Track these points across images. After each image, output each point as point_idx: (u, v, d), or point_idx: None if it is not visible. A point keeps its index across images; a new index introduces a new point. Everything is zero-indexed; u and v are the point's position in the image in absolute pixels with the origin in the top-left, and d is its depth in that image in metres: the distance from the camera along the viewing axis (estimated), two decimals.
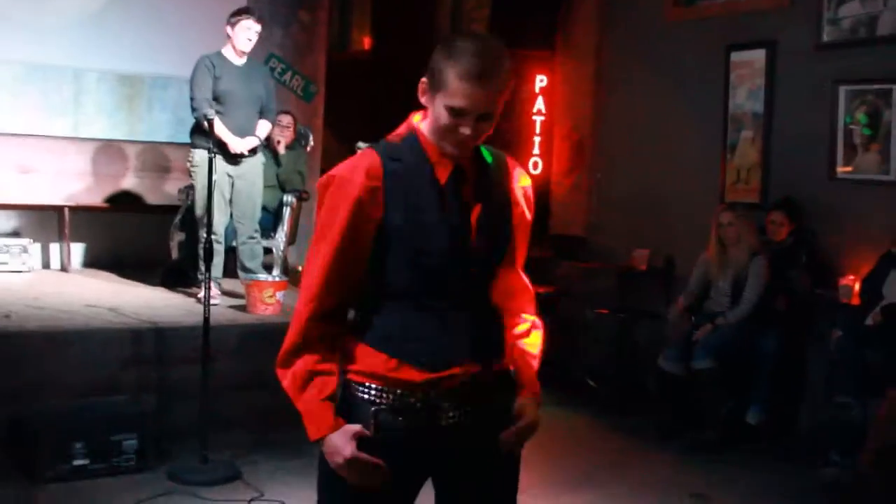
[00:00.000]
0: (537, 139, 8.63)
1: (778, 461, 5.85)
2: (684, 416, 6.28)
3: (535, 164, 8.57)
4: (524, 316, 2.42)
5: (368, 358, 2.25)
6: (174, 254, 7.30)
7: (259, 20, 6.37)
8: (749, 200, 6.78)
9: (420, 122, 2.28)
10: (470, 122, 2.15)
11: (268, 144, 7.04)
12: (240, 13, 6.35)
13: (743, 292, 6.24)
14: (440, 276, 2.22)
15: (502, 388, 2.33)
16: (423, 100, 2.24)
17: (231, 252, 6.68)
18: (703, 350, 6.11)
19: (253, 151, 6.36)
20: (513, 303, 2.41)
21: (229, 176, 6.33)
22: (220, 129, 6.13)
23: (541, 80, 8.60)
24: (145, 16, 7.83)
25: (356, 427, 2.20)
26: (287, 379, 2.25)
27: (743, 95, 7.00)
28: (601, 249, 8.04)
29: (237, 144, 6.22)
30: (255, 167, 6.45)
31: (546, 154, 8.63)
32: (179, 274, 6.98)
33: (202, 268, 5.97)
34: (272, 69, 8.07)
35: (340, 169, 2.25)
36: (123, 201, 7.90)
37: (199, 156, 6.16)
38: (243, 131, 6.29)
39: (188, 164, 6.54)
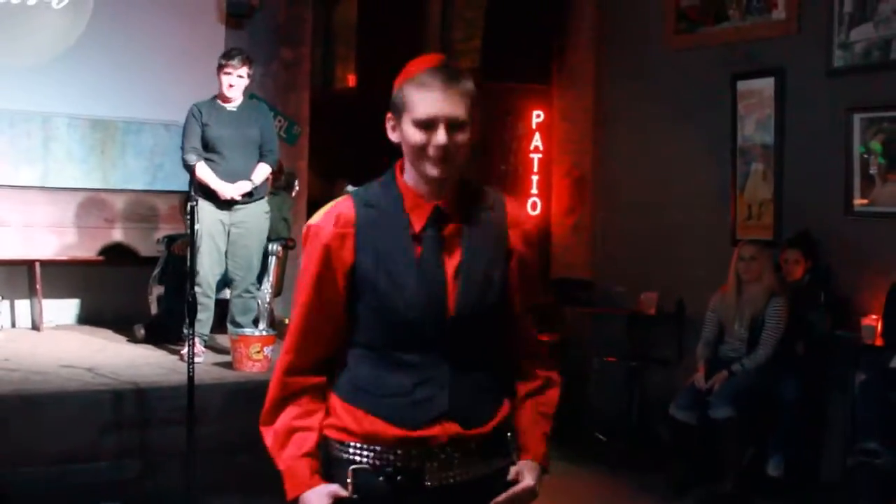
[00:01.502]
0: (535, 178, 8.68)
1: None
2: (700, 467, 6.29)
3: (535, 205, 8.62)
4: (537, 372, 2.41)
5: (345, 413, 2.27)
6: (153, 309, 7.32)
7: (244, 62, 6.40)
8: (762, 238, 6.81)
9: (398, 168, 2.31)
10: (442, 130, 2.18)
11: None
12: (223, 57, 6.43)
13: (760, 336, 6.27)
14: (411, 330, 2.22)
15: (496, 451, 2.32)
16: (393, 137, 2.28)
17: (222, 304, 6.71)
18: (721, 398, 6.12)
19: (249, 196, 6.39)
20: (518, 356, 2.40)
21: (223, 224, 6.38)
22: (205, 175, 6.22)
23: (537, 116, 8.67)
24: (117, 58, 7.88)
25: (333, 487, 2.23)
26: (269, 437, 2.31)
27: (752, 126, 7.07)
28: (607, 293, 8.08)
29: (226, 190, 6.27)
30: (255, 215, 6.48)
31: (545, 193, 8.68)
32: (160, 330, 6.99)
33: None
34: None
35: (317, 217, 2.30)
36: (98, 254, 7.92)
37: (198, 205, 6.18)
38: (239, 177, 6.34)
39: (184, 214, 6.59)
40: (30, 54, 7.61)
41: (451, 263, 2.25)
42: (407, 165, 2.28)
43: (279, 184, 7.60)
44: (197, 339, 6.19)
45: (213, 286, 6.41)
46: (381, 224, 2.25)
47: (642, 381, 7.29)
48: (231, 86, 6.34)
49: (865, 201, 6.40)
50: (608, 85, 8.29)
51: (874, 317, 6.08)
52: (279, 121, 8.48)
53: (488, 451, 2.29)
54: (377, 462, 2.23)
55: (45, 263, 7.56)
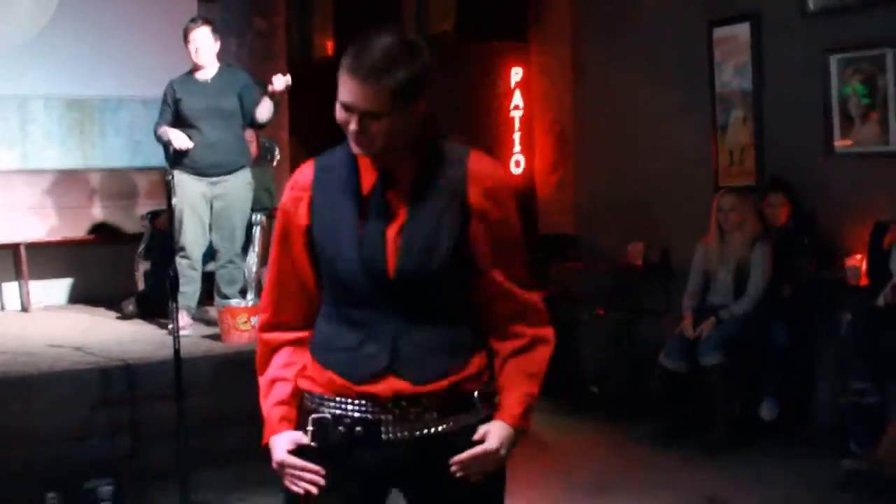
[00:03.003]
0: (517, 136, 8.65)
1: (795, 456, 5.86)
2: (691, 415, 6.30)
3: (518, 163, 8.60)
4: (523, 330, 2.36)
5: (311, 365, 2.37)
6: (140, 284, 7.29)
7: (204, 23, 6.39)
8: (744, 183, 6.80)
9: None
10: (355, 118, 2.19)
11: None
12: (185, 27, 6.39)
13: (747, 283, 6.26)
14: (353, 290, 2.28)
15: (458, 409, 2.30)
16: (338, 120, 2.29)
17: (207, 278, 6.68)
18: (710, 345, 6.12)
19: (228, 167, 6.36)
20: (494, 314, 2.36)
21: (205, 197, 6.34)
22: (165, 133, 6.23)
23: (516, 73, 8.63)
24: (91, 35, 7.82)
25: (296, 434, 2.33)
26: (260, 388, 2.42)
27: (729, 73, 7.03)
28: (593, 247, 8.06)
29: (178, 139, 6.19)
30: (237, 188, 6.43)
31: (528, 151, 8.65)
32: (149, 305, 6.96)
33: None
34: None
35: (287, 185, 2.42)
36: (82, 233, 7.89)
37: (176, 178, 6.11)
38: (216, 150, 6.30)
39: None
40: (2, 37, 7.55)
41: (394, 225, 2.26)
42: None
43: (260, 154, 7.54)
44: (184, 312, 6.18)
45: (199, 258, 6.38)
46: (334, 187, 2.31)
47: (631, 332, 7.28)
48: (197, 50, 6.31)
49: (847, 142, 6.37)
50: (585, 39, 8.24)
51: (858, 257, 6.06)
52: (257, 91, 8.41)
53: (447, 408, 2.28)
54: (336, 412, 2.30)
55: (30, 246, 7.52)
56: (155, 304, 6.84)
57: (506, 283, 2.33)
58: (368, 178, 2.29)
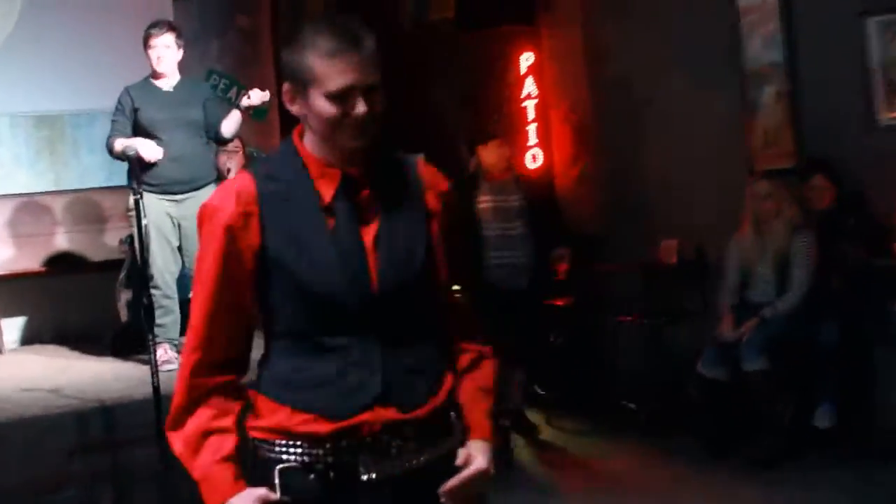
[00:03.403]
0: (532, 127, 8.58)
1: (857, 466, 5.77)
2: (736, 427, 6.22)
3: (534, 157, 8.53)
4: (466, 345, 2.41)
5: (268, 411, 2.25)
6: (123, 316, 7.26)
7: (168, 29, 6.38)
8: (782, 166, 6.71)
9: (296, 135, 2.31)
10: (360, 98, 2.17)
11: (218, 176, 7.01)
12: (145, 31, 6.39)
13: (790, 276, 6.19)
14: (334, 310, 2.20)
15: (437, 435, 2.29)
16: (294, 109, 2.27)
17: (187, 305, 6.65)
18: (752, 349, 6.07)
19: (193, 184, 6.33)
20: (448, 329, 2.39)
21: (171, 217, 6.32)
22: (124, 143, 6.15)
23: (527, 59, 8.56)
24: (57, 45, 7.86)
25: (260, 490, 2.20)
26: (178, 443, 2.26)
27: (758, 45, 6.94)
28: (621, 246, 7.98)
29: (149, 149, 6.16)
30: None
31: (545, 143, 8.58)
32: (133, 339, 6.94)
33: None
34: (214, 86, 8.05)
35: (213, 196, 2.29)
36: (57, 263, 7.91)
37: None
38: (182, 165, 6.29)
39: (127, 211, 6.54)
40: None
41: (369, 233, 2.24)
42: (308, 132, 2.27)
43: (246, 164, 7.52)
44: (167, 345, 6.17)
45: (173, 285, 6.37)
46: (287, 198, 2.24)
47: (666, 338, 7.21)
48: (160, 58, 6.31)
49: (892, 114, 6.27)
50: (598, 17, 8.17)
51: None
52: (247, 95, 8.37)
53: (427, 435, 2.28)
54: (306, 459, 2.21)
55: (1, 279, 7.55)
56: (139, 338, 6.82)
57: (459, 291, 2.42)
58: (326, 186, 2.24)
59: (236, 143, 7.36)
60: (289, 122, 8.75)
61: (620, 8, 7.93)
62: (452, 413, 2.32)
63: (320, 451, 2.20)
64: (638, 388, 7.31)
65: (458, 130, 8.47)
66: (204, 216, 2.26)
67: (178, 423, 2.26)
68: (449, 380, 2.35)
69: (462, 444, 2.31)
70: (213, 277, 2.25)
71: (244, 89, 8.25)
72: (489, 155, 6.89)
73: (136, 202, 5.18)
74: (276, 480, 2.21)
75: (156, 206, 6.20)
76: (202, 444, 2.23)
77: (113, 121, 6.37)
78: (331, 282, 2.19)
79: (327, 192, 2.23)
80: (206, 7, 8.32)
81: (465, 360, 2.40)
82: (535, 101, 8.60)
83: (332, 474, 2.20)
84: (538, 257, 6.87)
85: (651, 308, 7.41)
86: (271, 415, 2.24)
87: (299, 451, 2.21)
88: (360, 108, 2.17)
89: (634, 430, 6.88)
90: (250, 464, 2.27)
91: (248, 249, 2.22)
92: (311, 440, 2.20)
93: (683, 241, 7.41)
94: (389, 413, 2.21)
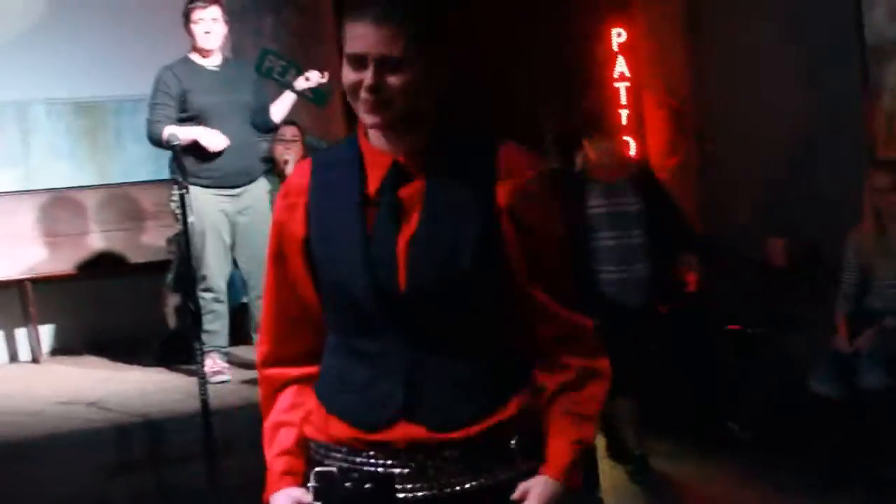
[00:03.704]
0: (624, 112, 8.55)
1: None
2: (856, 452, 6.14)
3: (627, 146, 8.48)
4: (570, 362, 2.32)
5: (317, 410, 2.37)
6: (171, 322, 7.35)
7: (214, 1, 6.36)
8: None
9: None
10: (369, 71, 2.19)
11: (273, 167, 7.07)
12: (189, 2, 6.37)
13: None
14: (359, 312, 2.26)
15: (492, 461, 2.26)
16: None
17: (241, 311, 6.71)
18: (872, 363, 5.99)
19: (248, 175, 6.39)
20: (538, 341, 2.33)
21: (226, 214, 6.37)
22: (183, 133, 6.11)
23: (618, 35, 8.55)
24: (99, 25, 7.96)
25: (297, 491, 2.34)
26: (264, 435, 2.44)
27: (882, 16, 6.84)
28: (723, 246, 7.90)
29: (212, 139, 6.20)
30: (259, 199, 6.47)
31: (638, 130, 8.56)
32: (181, 347, 7.01)
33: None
34: (270, 69, 8.08)
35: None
36: (99, 264, 8.00)
37: (192, 194, 6.12)
38: (238, 154, 6.33)
39: (172, 206, 6.58)
40: None
41: (407, 230, 2.25)
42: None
43: (306, 154, 7.56)
44: (216, 355, 6.23)
45: (224, 288, 6.43)
46: (334, 188, 2.32)
47: (774, 350, 7.14)
48: (207, 33, 6.33)
49: None
50: None
51: None
52: (306, 78, 8.41)
53: (477, 459, 2.25)
54: (343, 465, 2.29)
55: (38, 282, 7.65)
56: (187, 346, 6.90)
57: (547, 300, 2.30)
58: (375, 175, 2.29)
59: (294, 131, 7.43)
60: (352, 111, 8.81)
61: None
62: (514, 440, 2.27)
63: (357, 460, 2.27)
64: (742, 406, 7.25)
65: (538, 118, 8.47)
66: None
67: (263, 415, 2.45)
68: (519, 399, 2.29)
69: (527, 475, 2.27)
70: (270, 270, 2.42)
71: (299, 70, 8.36)
72: (598, 150, 6.48)
73: (182, 197, 5.21)
74: (311, 484, 2.31)
75: (208, 203, 6.24)
76: (273, 437, 2.40)
77: (154, 104, 6.33)
78: (353, 282, 2.25)
79: (374, 182, 2.28)
80: None
81: (561, 377, 2.32)
82: (627, 83, 8.57)
83: (367, 486, 2.25)
84: (659, 267, 6.49)
85: (757, 316, 7.34)
86: (318, 415, 2.35)
87: (338, 455, 2.30)
88: (368, 78, 2.19)
89: (738, 452, 6.81)
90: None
91: (295, 242, 2.34)
92: (348, 447, 2.28)
93: (794, 241, 7.34)
94: (418, 431, 2.23)
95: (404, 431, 2.23)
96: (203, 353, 5.28)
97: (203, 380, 5.10)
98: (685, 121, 8.33)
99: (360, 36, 2.19)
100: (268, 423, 2.43)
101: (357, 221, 2.26)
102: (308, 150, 7.59)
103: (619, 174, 6.47)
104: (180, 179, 5.42)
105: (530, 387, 2.33)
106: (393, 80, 2.19)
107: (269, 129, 6.69)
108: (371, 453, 2.26)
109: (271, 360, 2.44)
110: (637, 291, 6.41)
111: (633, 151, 8.49)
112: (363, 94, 2.21)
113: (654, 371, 7.10)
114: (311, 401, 2.38)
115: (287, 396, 2.42)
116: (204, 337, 6.05)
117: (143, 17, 8.01)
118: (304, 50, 8.52)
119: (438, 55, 2.23)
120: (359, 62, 2.20)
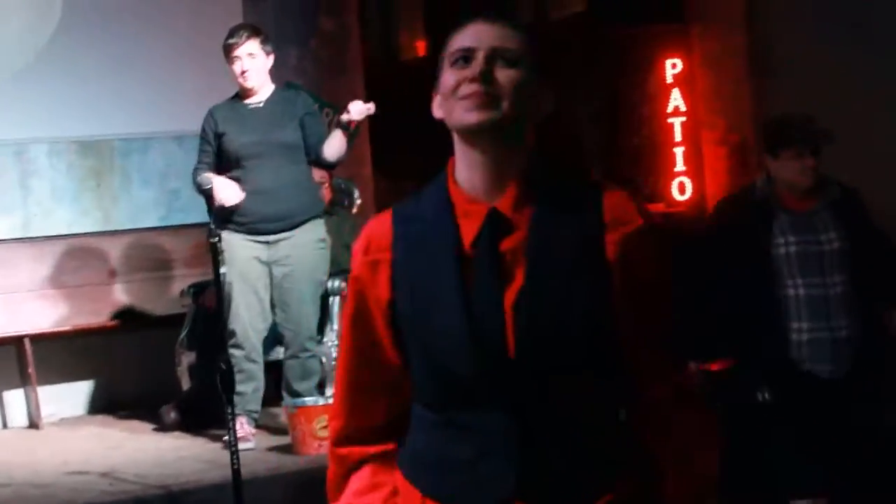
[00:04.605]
0: (679, 150, 8.54)
1: None
2: None
3: (682, 187, 8.50)
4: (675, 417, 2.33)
5: (404, 489, 2.31)
6: (184, 383, 7.32)
7: (252, 34, 6.41)
8: None
9: (450, 165, 2.31)
10: (478, 62, 2.19)
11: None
12: (226, 39, 6.43)
13: None
14: (463, 383, 2.20)
15: None
16: (436, 114, 2.29)
17: (273, 369, 6.68)
18: None
19: (291, 221, 6.38)
20: (648, 405, 2.31)
21: (261, 262, 6.37)
22: (205, 181, 6.25)
23: (673, 66, 8.57)
24: (104, 58, 7.95)
25: None
26: None
27: None
28: None
29: (226, 192, 6.22)
30: (304, 248, 6.46)
31: (695, 169, 8.55)
32: (198, 410, 6.99)
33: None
34: None
35: (357, 240, 2.37)
36: (105, 319, 7.96)
37: (225, 240, 6.13)
38: (275, 199, 6.34)
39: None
40: None
41: (513, 289, 2.19)
42: (457, 154, 2.28)
43: (335, 199, 7.56)
44: (244, 419, 6.19)
45: (259, 346, 6.41)
46: (423, 242, 2.26)
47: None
48: (244, 71, 6.35)
49: None
50: (767, 15, 8.11)
51: None
52: (326, 114, 8.45)
53: None
54: None
55: (37, 339, 7.61)
56: (205, 410, 6.86)
57: (657, 359, 2.30)
58: (470, 225, 2.22)
59: (322, 174, 7.39)
60: (383, 149, 8.84)
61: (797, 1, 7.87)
62: None
63: None
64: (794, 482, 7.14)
65: (589, 152, 8.46)
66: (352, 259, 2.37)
67: (330, 498, 2.40)
68: (633, 477, 2.28)
69: None
70: (347, 335, 2.36)
71: (329, 107, 8.38)
72: (788, 170, 5.18)
73: (214, 245, 5.19)
74: None
75: (241, 249, 6.27)
76: None
77: (199, 150, 6.48)
78: (458, 349, 2.18)
79: (469, 233, 2.21)
80: (283, 8, 8.37)
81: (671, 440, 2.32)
82: (683, 118, 8.56)
83: None
84: (867, 325, 5.20)
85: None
86: (406, 495, 2.29)
87: None
88: (476, 68, 2.18)
89: None
90: None
91: (378, 304, 2.28)
92: None
93: None
94: None
95: None
96: (232, 419, 5.23)
97: (234, 448, 5.05)
98: (749, 161, 8.30)
99: (471, 32, 2.22)
100: None
101: (454, 279, 2.20)
102: (336, 194, 7.59)
103: (814, 201, 5.19)
104: (212, 226, 5.42)
105: (643, 455, 2.31)
106: (503, 75, 2.19)
107: (325, 166, 6.69)
108: None
109: (346, 438, 2.38)
110: (837, 356, 5.11)
111: (689, 193, 8.48)
112: (469, 88, 2.18)
113: (857, 463, 6.30)
114: (391, 480, 2.33)
115: (363, 476, 2.36)
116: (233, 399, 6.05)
117: (153, 52, 8.04)
118: (331, 81, 8.55)
119: (539, 83, 2.25)
120: (465, 59, 2.20)
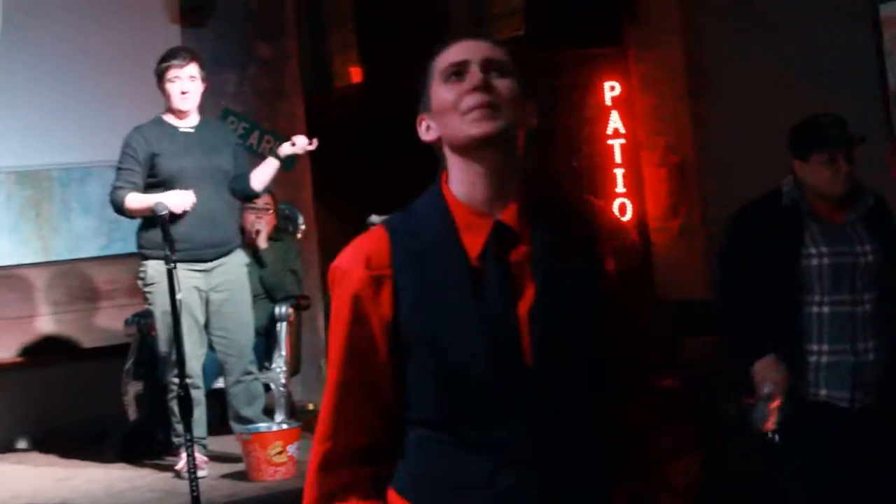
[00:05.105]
0: (620, 172, 8.62)
1: None
2: None
3: (623, 208, 8.57)
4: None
5: None
6: (132, 413, 7.31)
7: (192, 58, 6.41)
8: None
9: (443, 179, 2.34)
10: (475, 71, 2.25)
11: (243, 238, 7.10)
12: (163, 59, 6.41)
13: None
14: (479, 398, 2.22)
15: None
16: (425, 137, 2.35)
17: (214, 398, 6.70)
18: None
19: (221, 247, 6.40)
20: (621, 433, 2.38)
21: (199, 291, 6.38)
22: (141, 200, 6.20)
23: (611, 89, 8.63)
24: (42, 86, 7.98)
25: None
26: None
27: None
28: None
29: (177, 198, 6.17)
30: (234, 272, 6.50)
31: (635, 191, 8.62)
32: (146, 440, 6.99)
33: (177, 428, 6.05)
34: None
35: (343, 255, 2.34)
36: (47, 350, 7.97)
37: (154, 268, 6.18)
38: (213, 225, 6.34)
39: (140, 283, 6.55)
40: None
41: (525, 301, 2.24)
42: (452, 170, 2.32)
43: (280, 225, 7.61)
44: (195, 447, 6.19)
45: (200, 373, 6.39)
46: (427, 257, 2.26)
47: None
48: (184, 92, 6.35)
49: None
50: (703, 34, 8.21)
51: None
52: (266, 140, 8.48)
53: None
54: None
55: None
56: (152, 439, 6.88)
57: (641, 377, 2.37)
58: (474, 239, 2.25)
59: (267, 199, 7.43)
60: (322, 174, 8.85)
61: (732, 19, 7.99)
62: None
63: None
64: (763, 496, 7.23)
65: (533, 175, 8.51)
66: (334, 280, 2.32)
67: None
68: (624, 487, 2.33)
69: None
70: (341, 354, 2.31)
71: (269, 134, 8.43)
72: (818, 175, 4.71)
73: (170, 273, 5.24)
74: None
75: (183, 279, 6.18)
76: None
77: (119, 169, 6.36)
78: (475, 363, 2.20)
79: (475, 247, 2.24)
80: (221, 36, 8.41)
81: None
82: (623, 140, 8.65)
83: None
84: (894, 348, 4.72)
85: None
86: None
87: None
88: (475, 78, 2.25)
89: None
90: None
91: (379, 321, 2.26)
92: None
93: None
94: None
95: None
96: (191, 445, 5.27)
97: (193, 475, 5.09)
98: (688, 180, 8.39)
99: (460, 47, 2.30)
100: None
101: (467, 292, 2.22)
102: (281, 220, 7.64)
103: (848, 210, 4.72)
104: (168, 253, 5.46)
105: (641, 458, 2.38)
106: (500, 84, 2.26)
107: (250, 197, 6.70)
108: None
109: (336, 462, 2.30)
110: (859, 384, 4.62)
111: (629, 214, 8.55)
112: (473, 98, 2.24)
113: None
114: None
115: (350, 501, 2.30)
116: (178, 427, 6.07)
117: (92, 80, 8.07)
118: (269, 107, 8.61)
119: (528, 101, 2.32)
120: (457, 73, 2.27)
